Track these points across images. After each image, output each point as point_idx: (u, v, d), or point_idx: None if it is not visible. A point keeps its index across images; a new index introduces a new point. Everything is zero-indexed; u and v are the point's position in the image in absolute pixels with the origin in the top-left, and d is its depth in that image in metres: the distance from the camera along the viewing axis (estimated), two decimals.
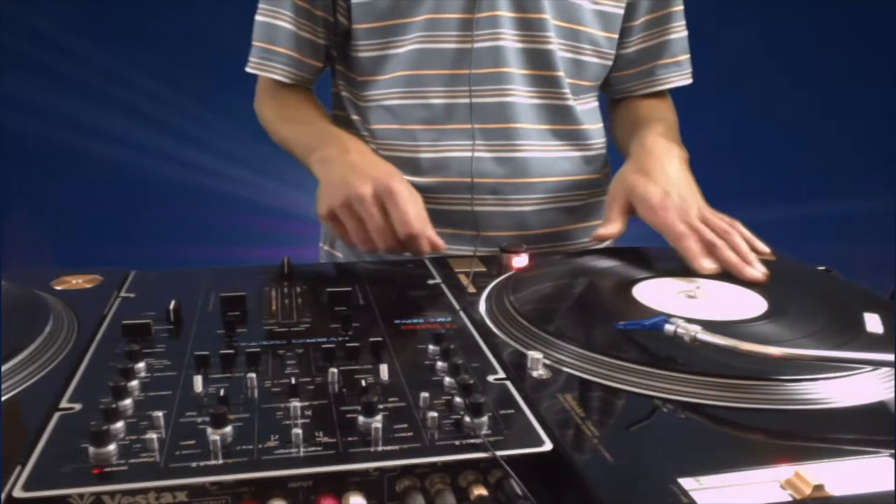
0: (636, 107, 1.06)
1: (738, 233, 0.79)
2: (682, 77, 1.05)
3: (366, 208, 0.79)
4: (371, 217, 0.79)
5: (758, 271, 0.76)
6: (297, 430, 0.48)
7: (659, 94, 1.06)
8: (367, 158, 0.87)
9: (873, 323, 0.65)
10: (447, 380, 0.55)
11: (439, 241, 0.81)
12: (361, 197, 0.79)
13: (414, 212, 0.79)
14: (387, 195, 0.79)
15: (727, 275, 0.76)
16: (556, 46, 0.94)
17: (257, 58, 0.97)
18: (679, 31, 1.02)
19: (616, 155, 1.03)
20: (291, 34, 0.95)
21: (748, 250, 0.78)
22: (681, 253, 0.78)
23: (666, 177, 0.84)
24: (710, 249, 0.77)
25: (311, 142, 0.92)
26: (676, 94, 1.08)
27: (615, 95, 1.09)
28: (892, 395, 0.54)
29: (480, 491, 0.46)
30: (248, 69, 0.98)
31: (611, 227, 0.85)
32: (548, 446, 0.47)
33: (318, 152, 0.89)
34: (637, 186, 0.84)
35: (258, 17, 0.96)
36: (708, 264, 0.76)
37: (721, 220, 0.80)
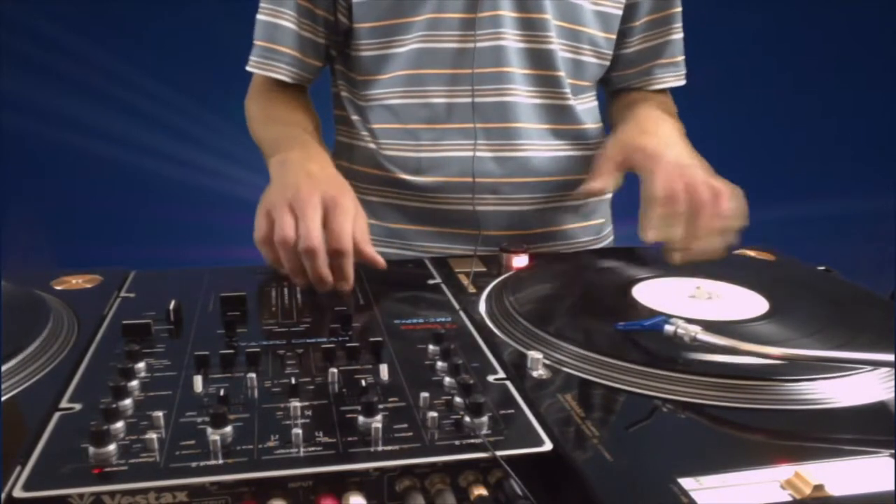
0: (635, 94, 1.06)
1: (721, 210, 0.75)
2: (677, 78, 1.05)
3: (303, 209, 0.73)
4: (304, 216, 0.72)
5: (679, 256, 0.75)
6: (297, 430, 0.48)
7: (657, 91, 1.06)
8: (326, 171, 0.82)
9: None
10: (447, 380, 0.55)
11: (379, 259, 0.77)
12: (305, 200, 0.73)
13: (350, 230, 0.74)
14: (332, 206, 0.74)
15: (727, 275, 0.76)
16: (557, 46, 0.94)
17: (259, 57, 0.97)
18: (678, 33, 1.03)
19: None
20: (294, 34, 0.95)
21: (713, 231, 0.75)
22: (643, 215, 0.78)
23: (665, 137, 0.86)
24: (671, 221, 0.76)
25: (279, 144, 0.89)
26: (676, 94, 1.07)
27: (613, 88, 1.09)
28: (892, 395, 0.54)
29: (480, 491, 0.46)
30: (248, 68, 0.98)
31: (602, 180, 0.84)
32: (548, 446, 0.47)
33: (279, 154, 0.86)
34: (635, 139, 0.85)
35: (260, 17, 0.96)
36: (650, 237, 0.76)
37: (708, 191, 0.76)
